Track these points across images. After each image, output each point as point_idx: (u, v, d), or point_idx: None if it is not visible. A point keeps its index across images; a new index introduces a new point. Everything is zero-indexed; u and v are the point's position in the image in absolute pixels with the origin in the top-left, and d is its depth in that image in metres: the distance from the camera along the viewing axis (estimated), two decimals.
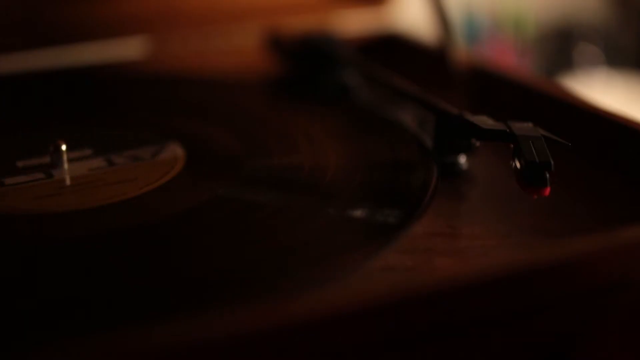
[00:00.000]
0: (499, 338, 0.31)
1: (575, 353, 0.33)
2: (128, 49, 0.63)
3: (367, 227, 0.36)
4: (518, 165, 0.37)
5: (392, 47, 0.64)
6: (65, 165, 0.42)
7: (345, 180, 0.41)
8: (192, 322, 0.27)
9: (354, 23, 0.66)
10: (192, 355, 0.26)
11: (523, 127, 0.39)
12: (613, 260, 0.32)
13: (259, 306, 0.30)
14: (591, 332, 0.33)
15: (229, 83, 0.58)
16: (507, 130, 0.39)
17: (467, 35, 1.32)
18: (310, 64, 0.56)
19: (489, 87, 0.53)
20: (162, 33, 0.65)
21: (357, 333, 0.28)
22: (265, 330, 0.27)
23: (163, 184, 0.40)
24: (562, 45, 1.39)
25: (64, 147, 0.42)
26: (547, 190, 0.37)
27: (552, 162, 0.37)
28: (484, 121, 0.41)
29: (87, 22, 0.63)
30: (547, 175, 0.37)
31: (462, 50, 0.56)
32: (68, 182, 0.41)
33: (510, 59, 1.34)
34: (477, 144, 0.42)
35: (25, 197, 0.39)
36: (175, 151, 0.44)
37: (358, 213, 0.37)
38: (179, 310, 0.30)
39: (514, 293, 0.30)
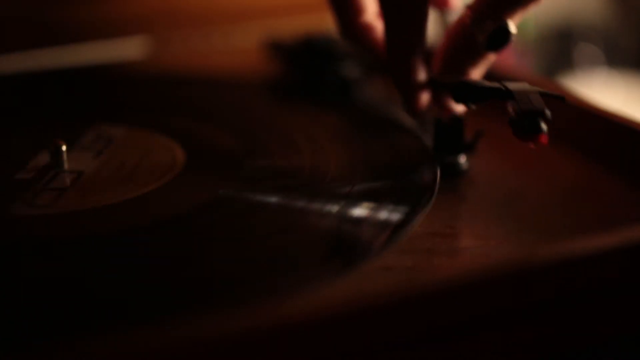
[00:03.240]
0: (499, 338, 0.31)
1: (575, 352, 0.33)
2: (128, 49, 0.63)
3: (367, 227, 0.36)
4: (515, 117, 0.37)
5: None
6: (66, 166, 0.42)
7: (346, 179, 0.41)
8: (191, 322, 0.27)
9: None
10: (192, 356, 0.26)
11: (518, 85, 0.39)
12: (613, 260, 0.32)
13: (259, 306, 0.30)
14: (591, 332, 0.33)
15: (229, 83, 0.58)
16: (503, 88, 0.39)
17: None
18: (309, 63, 0.56)
19: None
20: (162, 33, 0.65)
21: (357, 333, 0.28)
22: (264, 330, 0.27)
23: (163, 184, 0.40)
24: (562, 45, 1.39)
25: (64, 148, 0.42)
26: (544, 138, 0.37)
27: (548, 111, 0.37)
28: (480, 82, 0.41)
29: (87, 22, 0.63)
30: (543, 122, 0.37)
31: None
32: (68, 182, 0.41)
33: (510, 59, 1.34)
34: (473, 107, 0.42)
35: (27, 198, 0.39)
36: (175, 151, 0.44)
37: (358, 213, 0.37)
38: (178, 311, 0.30)
39: (513, 293, 0.30)
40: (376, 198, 0.38)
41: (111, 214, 0.38)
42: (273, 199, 0.39)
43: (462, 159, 0.43)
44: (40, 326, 0.29)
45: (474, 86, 0.40)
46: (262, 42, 0.60)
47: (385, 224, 0.36)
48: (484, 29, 0.40)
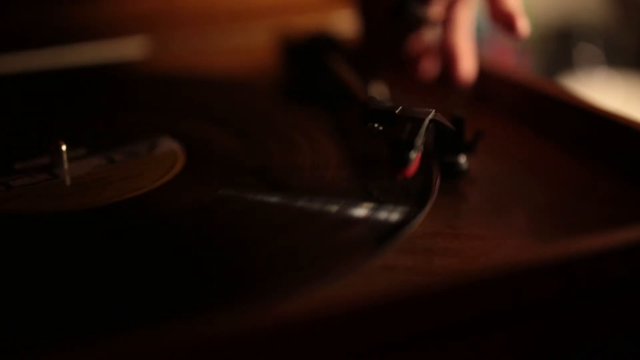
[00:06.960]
0: (499, 338, 0.31)
1: (576, 352, 0.33)
2: (128, 49, 0.63)
3: (368, 227, 0.36)
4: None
5: None
6: (66, 165, 0.42)
7: (346, 180, 0.41)
8: (191, 323, 0.27)
9: (354, 23, 0.66)
10: (192, 356, 0.26)
11: (416, 111, 0.38)
12: (613, 260, 0.32)
13: (259, 306, 0.30)
14: (592, 332, 0.33)
15: (229, 83, 0.58)
16: (393, 111, 0.38)
17: None
18: (310, 64, 0.56)
19: (489, 87, 0.53)
20: (162, 33, 0.65)
21: (357, 333, 0.28)
22: (265, 329, 0.27)
23: (163, 184, 0.40)
24: (562, 45, 1.39)
25: (64, 147, 0.42)
26: (408, 171, 0.36)
27: (418, 145, 0.36)
28: (378, 103, 0.40)
29: (87, 22, 0.63)
30: (409, 155, 0.35)
31: None
32: (69, 182, 0.41)
33: (510, 59, 1.34)
34: (380, 127, 0.40)
35: (33, 198, 0.39)
36: (175, 151, 0.44)
37: (359, 213, 0.37)
38: (178, 312, 0.30)
39: (513, 293, 0.30)
40: (377, 198, 0.38)
41: (110, 214, 0.38)
42: (273, 199, 0.39)
43: (462, 159, 0.43)
44: (40, 326, 0.29)
45: (367, 107, 0.39)
46: (274, 38, 0.60)
47: (386, 224, 0.36)
48: None
